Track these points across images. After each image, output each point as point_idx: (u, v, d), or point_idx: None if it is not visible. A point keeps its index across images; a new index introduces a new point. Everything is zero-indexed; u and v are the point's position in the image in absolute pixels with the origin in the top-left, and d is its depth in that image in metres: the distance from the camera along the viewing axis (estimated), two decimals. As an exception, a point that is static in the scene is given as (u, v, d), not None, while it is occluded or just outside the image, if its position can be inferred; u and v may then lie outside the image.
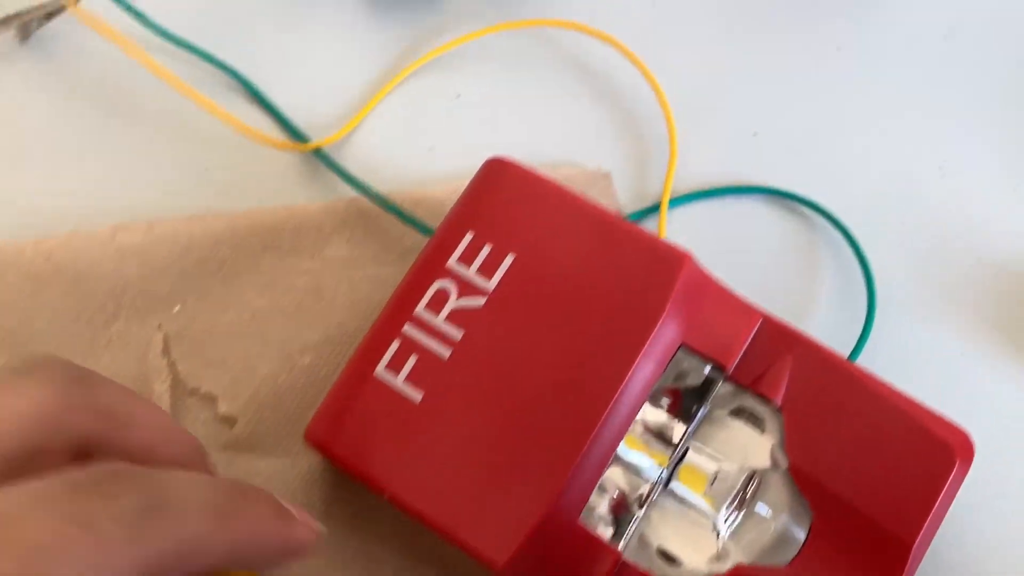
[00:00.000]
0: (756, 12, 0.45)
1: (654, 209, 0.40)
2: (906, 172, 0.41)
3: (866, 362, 0.37)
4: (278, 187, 0.40)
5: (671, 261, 0.30)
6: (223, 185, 0.40)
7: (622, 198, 0.41)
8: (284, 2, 0.45)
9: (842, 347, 0.37)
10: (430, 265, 0.31)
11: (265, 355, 0.36)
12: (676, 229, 0.40)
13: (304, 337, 0.36)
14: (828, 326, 0.38)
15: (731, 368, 0.30)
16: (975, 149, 0.42)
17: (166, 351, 0.36)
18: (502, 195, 0.32)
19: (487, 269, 0.31)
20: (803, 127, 0.42)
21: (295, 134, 0.41)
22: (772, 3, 0.45)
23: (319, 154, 0.41)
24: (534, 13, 0.45)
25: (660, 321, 0.29)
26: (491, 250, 0.31)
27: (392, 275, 0.37)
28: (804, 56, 0.44)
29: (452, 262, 0.31)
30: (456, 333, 0.30)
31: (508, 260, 0.31)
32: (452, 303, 0.30)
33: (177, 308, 0.36)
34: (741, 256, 0.39)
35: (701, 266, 0.31)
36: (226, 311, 0.36)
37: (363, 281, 0.37)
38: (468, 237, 0.31)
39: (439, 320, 0.30)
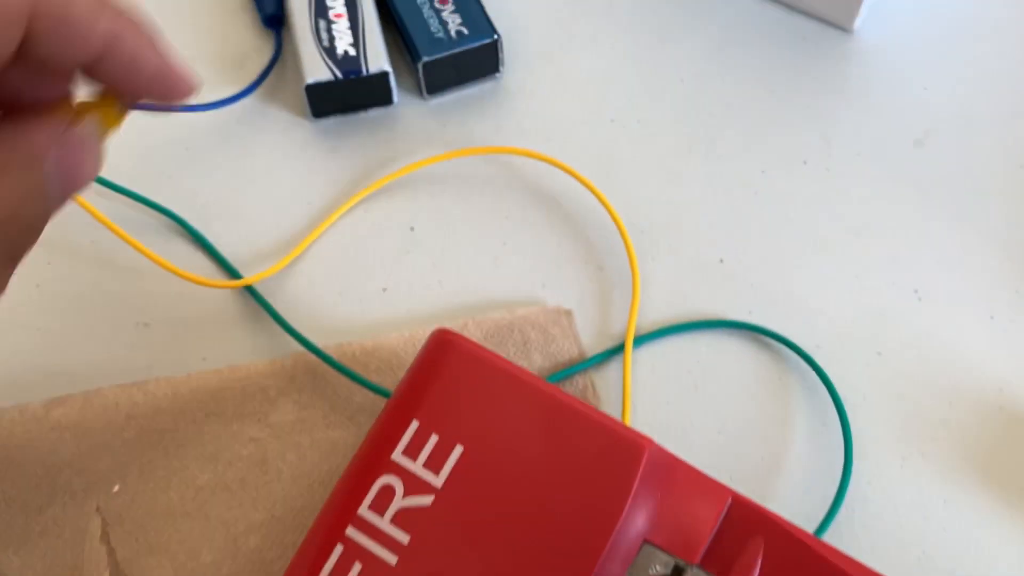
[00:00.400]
0: (716, 129, 0.44)
1: (618, 349, 0.38)
2: (881, 298, 0.39)
3: (845, 511, 0.35)
4: (223, 340, 0.38)
5: (631, 450, 0.28)
6: (163, 341, 0.38)
7: (585, 336, 0.39)
8: (229, 136, 0.43)
9: (821, 493, 0.35)
10: (373, 458, 0.29)
11: (209, 538, 0.33)
12: (642, 370, 0.38)
13: (249, 516, 0.34)
14: (804, 473, 0.36)
15: (699, 559, 0.28)
16: (951, 270, 0.40)
17: (104, 537, 0.34)
18: (449, 377, 0.30)
19: (434, 462, 0.29)
20: (771, 250, 0.40)
21: (234, 275, 0.40)
22: (732, 120, 0.44)
23: (264, 305, 0.39)
24: (489, 140, 0.43)
25: (621, 518, 0.28)
26: (438, 441, 0.29)
27: (342, 438, 0.36)
28: (769, 173, 0.42)
29: (397, 455, 0.29)
30: (403, 536, 0.28)
31: (456, 452, 0.29)
32: (398, 502, 0.29)
33: (116, 487, 0.34)
34: (710, 396, 0.37)
35: (663, 448, 0.30)
36: (168, 489, 0.34)
37: (311, 448, 0.35)
38: (413, 426, 0.29)
39: (384, 522, 0.28)
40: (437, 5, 0.44)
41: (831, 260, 0.40)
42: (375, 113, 0.44)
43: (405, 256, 0.40)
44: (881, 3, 0.47)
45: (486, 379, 0.30)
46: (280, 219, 0.41)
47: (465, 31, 0.43)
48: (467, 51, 0.43)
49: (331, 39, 0.43)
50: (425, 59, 0.42)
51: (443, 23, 0.43)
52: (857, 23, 0.46)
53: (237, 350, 0.38)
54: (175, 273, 0.37)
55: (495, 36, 0.43)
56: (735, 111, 0.44)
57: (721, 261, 0.40)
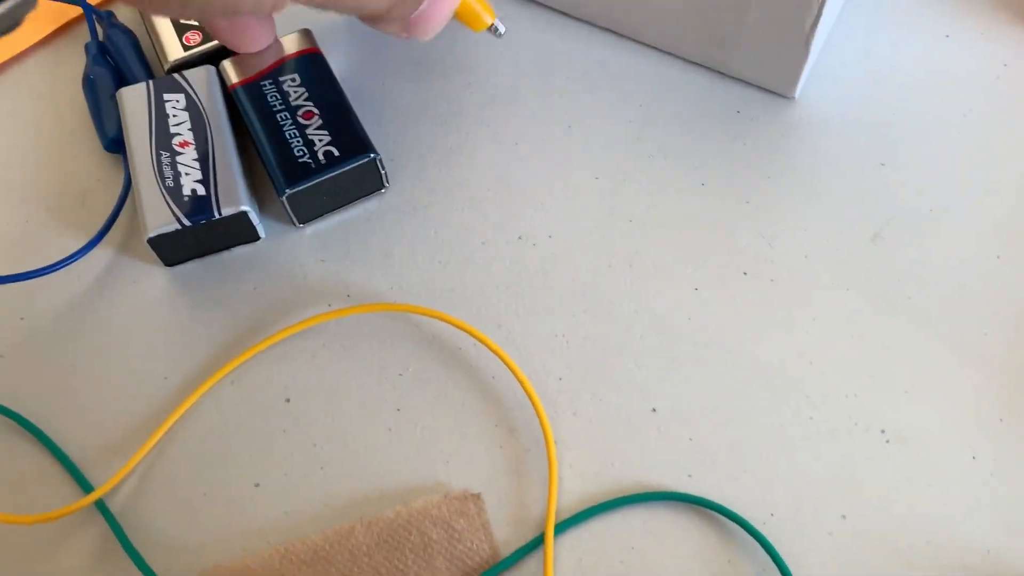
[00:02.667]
0: (639, 238, 0.37)
1: (538, 542, 0.32)
2: (842, 443, 0.33)
3: None
4: (72, 573, 0.32)
5: None
6: (-3, 584, 0.32)
7: (499, 524, 0.33)
8: (72, 300, 0.37)
9: None
10: None
11: None
12: (567, 563, 0.32)
13: None
14: None
15: None
16: (922, 398, 0.34)
17: None
18: None
19: None
20: (710, 393, 0.34)
21: (81, 482, 0.33)
22: (658, 225, 0.37)
23: (114, 528, 0.32)
24: (374, 280, 0.37)
25: None
26: None
27: None
28: (704, 291, 0.36)
29: None
30: None
31: None
32: None
33: None
34: (649, 589, 0.32)
35: None
36: None
37: None
38: None
39: None
40: (301, 120, 0.37)
41: (780, 399, 0.34)
42: (242, 251, 0.38)
43: (280, 436, 0.34)
44: (826, 62, 0.40)
45: None
46: (133, 402, 0.35)
47: (335, 151, 0.36)
48: (339, 175, 0.36)
49: (176, 176, 0.36)
50: (288, 192, 0.36)
51: (308, 143, 0.36)
52: (799, 88, 0.39)
53: (85, 583, 0.32)
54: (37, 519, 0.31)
55: (372, 155, 0.36)
56: (660, 212, 0.38)
57: (653, 410, 0.34)
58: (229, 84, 0.38)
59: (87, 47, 0.41)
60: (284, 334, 0.35)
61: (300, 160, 0.36)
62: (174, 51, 0.39)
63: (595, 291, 0.36)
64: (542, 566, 0.32)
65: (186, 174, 0.36)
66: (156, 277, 0.37)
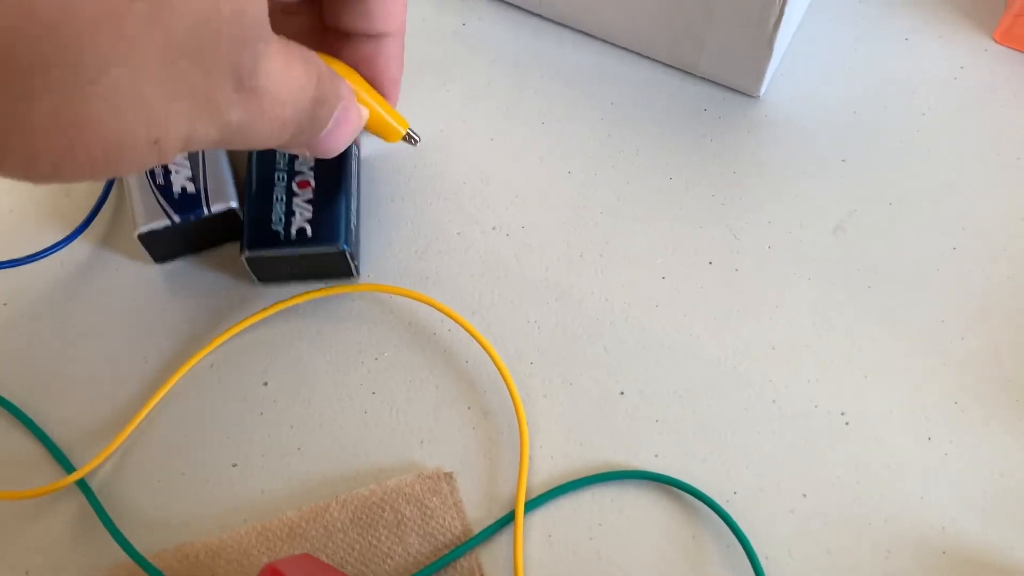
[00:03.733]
0: (609, 230, 0.38)
1: (509, 519, 0.33)
2: (803, 425, 0.34)
3: None
4: (49, 547, 0.33)
5: None
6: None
7: (472, 502, 0.34)
8: (55, 287, 0.38)
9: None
10: None
11: None
12: (537, 540, 0.33)
13: None
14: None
15: None
16: (881, 383, 0.35)
17: None
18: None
19: None
20: (676, 377, 0.35)
21: (63, 463, 0.34)
22: (626, 216, 0.39)
23: (94, 504, 0.33)
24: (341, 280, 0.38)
25: None
26: None
27: (188, 667, 0.30)
28: (671, 280, 0.37)
29: None
30: None
31: None
32: None
33: None
34: (615, 566, 0.33)
35: None
36: None
37: None
38: None
39: None
40: (294, 187, 0.36)
41: (744, 383, 0.35)
42: (230, 247, 0.38)
43: (258, 419, 0.35)
44: (790, 63, 0.42)
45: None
46: (114, 385, 0.36)
47: (308, 231, 0.35)
48: (304, 255, 0.36)
49: (166, 174, 0.37)
50: (248, 253, 0.35)
51: (289, 212, 0.36)
52: (764, 88, 0.41)
53: (67, 558, 0.33)
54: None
55: (341, 247, 0.35)
56: (630, 205, 0.39)
57: (622, 393, 0.35)
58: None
59: (72, 43, 0.42)
60: (262, 315, 0.36)
61: (273, 227, 0.35)
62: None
63: (567, 279, 0.37)
64: (512, 542, 0.33)
65: (176, 172, 0.37)
66: (138, 264, 0.38)
